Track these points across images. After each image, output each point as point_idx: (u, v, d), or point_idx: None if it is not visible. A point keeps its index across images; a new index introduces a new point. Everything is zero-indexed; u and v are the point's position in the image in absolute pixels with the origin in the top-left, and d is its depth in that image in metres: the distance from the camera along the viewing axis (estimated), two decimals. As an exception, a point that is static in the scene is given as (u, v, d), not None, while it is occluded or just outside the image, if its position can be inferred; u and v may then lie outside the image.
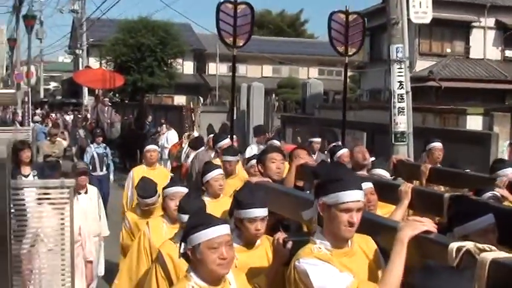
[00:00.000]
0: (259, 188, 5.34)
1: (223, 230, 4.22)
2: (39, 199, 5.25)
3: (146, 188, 8.04)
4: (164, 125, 25.44)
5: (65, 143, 20.81)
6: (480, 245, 3.48)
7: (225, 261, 4.15)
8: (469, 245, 3.50)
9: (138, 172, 11.13)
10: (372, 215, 5.03)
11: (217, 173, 7.71)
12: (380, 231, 4.33)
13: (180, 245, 4.29)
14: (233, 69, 15.34)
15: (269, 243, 5.01)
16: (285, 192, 5.82)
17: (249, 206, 4.94)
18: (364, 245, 4.26)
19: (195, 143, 15.52)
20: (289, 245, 4.48)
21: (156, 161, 11.86)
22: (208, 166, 8.07)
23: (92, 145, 17.68)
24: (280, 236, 4.60)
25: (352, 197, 4.00)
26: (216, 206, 6.62)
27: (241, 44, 14.53)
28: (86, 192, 10.22)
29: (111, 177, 17.92)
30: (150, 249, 6.28)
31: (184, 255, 4.29)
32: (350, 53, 15.08)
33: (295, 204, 5.25)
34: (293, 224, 5.89)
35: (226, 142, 11.81)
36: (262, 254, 5.07)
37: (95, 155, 17.04)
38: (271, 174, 6.93)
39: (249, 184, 5.60)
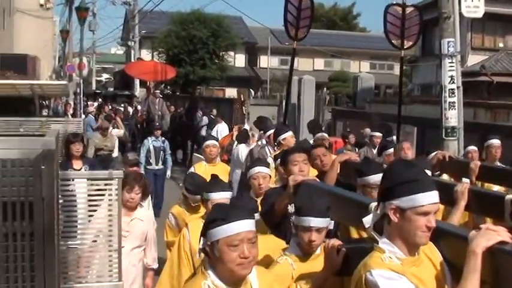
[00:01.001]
0: (320, 195, 4.82)
1: (246, 225, 3.81)
2: (87, 190, 5.31)
3: (196, 183, 7.68)
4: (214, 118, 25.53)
5: (121, 132, 20.49)
6: None
7: (246, 261, 3.76)
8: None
9: (199, 169, 10.68)
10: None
11: (256, 170, 7.33)
12: (444, 239, 3.91)
13: (200, 239, 3.93)
14: (292, 62, 15.49)
15: None
16: (341, 195, 5.21)
17: (305, 213, 4.54)
18: (429, 252, 3.86)
19: (241, 137, 15.37)
20: (343, 253, 4.16)
21: (217, 157, 11.39)
22: (253, 162, 7.84)
23: (149, 138, 17.07)
24: (334, 242, 4.26)
25: (430, 199, 3.63)
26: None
27: (302, 37, 14.61)
28: None
29: (168, 172, 17.10)
30: (191, 253, 5.86)
31: (203, 251, 3.91)
32: (406, 46, 14.81)
33: (353, 209, 4.76)
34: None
35: (289, 134, 10.80)
36: (320, 266, 4.52)
37: (151, 148, 16.49)
38: (254, 191, 6.67)
39: (311, 188, 5.20)
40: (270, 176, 7.53)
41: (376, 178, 5.46)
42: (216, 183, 6.26)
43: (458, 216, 5.61)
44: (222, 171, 10.38)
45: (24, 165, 3.23)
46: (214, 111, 29.87)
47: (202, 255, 3.97)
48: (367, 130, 16.70)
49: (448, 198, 5.48)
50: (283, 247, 5.07)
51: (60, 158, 11.10)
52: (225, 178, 7.91)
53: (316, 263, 4.58)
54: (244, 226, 3.79)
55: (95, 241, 5.38)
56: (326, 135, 13.57)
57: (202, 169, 10.54)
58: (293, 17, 14.35)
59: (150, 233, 7.76)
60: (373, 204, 4.09)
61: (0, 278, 3.31)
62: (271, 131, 11.23)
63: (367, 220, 3.95)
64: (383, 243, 3.73)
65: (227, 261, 3.74)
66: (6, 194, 3.23)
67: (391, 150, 9.92)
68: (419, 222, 3.60)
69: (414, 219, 3.60)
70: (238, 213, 3.84)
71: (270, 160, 9.34)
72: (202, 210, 7.10)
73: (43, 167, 3.25)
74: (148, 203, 10.22)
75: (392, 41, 14.74)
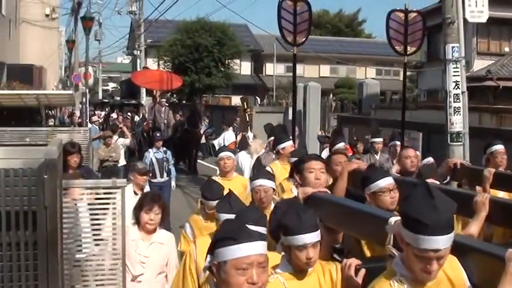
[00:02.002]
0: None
1: (257, 248, 3.49)
2: (90, 199, 5.31)
3: (213, 189, 7.35)
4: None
5: (127, 141, 20.25)
6: None
7: (254, 287, 3.46)
8: None
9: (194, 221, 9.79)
10: (460, 237, 4.07)
11: (257, 183, 6.91)
12: (473, 257, 3.68)
13: (206, 256, 3.64)
14: (294, 67, 15.36)
15: (321, 269, 4.36)
16: (357, 209, 4.87)
17: (297, 232, 4.20)
18: (450, 271, 3.62)
19: (241, 144, 15.31)
20: (362, 273, 3.90)
21: (232, 170, 10.19)
22: (256, 173, 7.49)
23: (150, 150, 16.29)
24: (352, 261, 4.00)
25: (432, 244, 3.30)
26: None
27: (302, 41, 14.54)
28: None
29: (173, 183, 16.17)
30: (196, 272, 5.59)
31: (209, 269, 3.62)
32: (409, 52, 14.79)
33: (371, 224, 4.42)
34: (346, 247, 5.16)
35: (289, 144, 10.70)
36: (314, 283, 4.32)
37: (154, 160, 15.58)
38: (310, 185, 6.05)
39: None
40: (274, 188, 7.17)
41: (387, 181, 5.49)
42: (227, 204, 5.73)
43: (478, 228, 5.39)
44: (239, 185, 9.23)
45: (27, 175, 3.24)
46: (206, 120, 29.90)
47: (208, 272, 3.73)
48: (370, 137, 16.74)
49: (466, 208, 5.36)
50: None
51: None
52: (242, 193, 7.55)
53: (310, 281, 4.33)
54: (255, 249, 3.48)
55: (99, 250, 5.38)
56: (343, 144, 12.94)
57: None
58: (288, 23, 14.29)
59: (172, 258, 7.17)
60: (393, 219, 3.91)
61: (5, 287, 3.32)
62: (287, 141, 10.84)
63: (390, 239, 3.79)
64: (396, 264, 3.56)
65: (233, 285, 3.45)
66: (10, 204, 3.24)
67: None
68: (419, 264, 3.40)
69: (414, 259, 3.40)
70: (249, 234, 3.54)
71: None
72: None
73: (46, 176, 3.27)
74: None
75: (395, 47, 14.75)
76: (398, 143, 13.54)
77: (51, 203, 3.31)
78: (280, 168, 9.87)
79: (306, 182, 6.36)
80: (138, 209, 6.84)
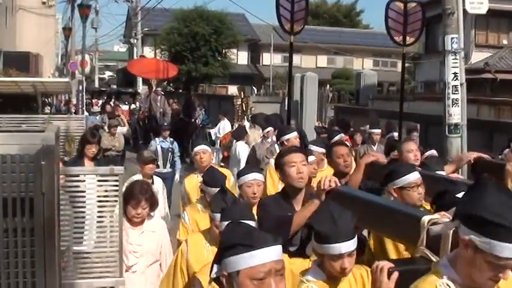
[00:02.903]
0: (342, 213, 4.03)
1: (273, 254, 2.97)
2: (89, 186, 5.27)
3: (215, 176, 7.16)
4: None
5: (125, 129, 20.03)
6: None
7: None
8: None
9: (189, 183, 9.15)
10: None
11: (251, 177, 6.65)
12: None
13: (212, 266, 3.11)
14: (290, 56, 15.09)
15: (353, 274, 4.17)
16: (386, 207, 4.35)
17: (332, 240, 3.91)
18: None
19: (237, 134, 15.17)
20: (395, 276, 3.52)
21: (209, 164, 9.15)
22: (245, 168, 7.11)
23: (156, 139, 15.93)
24: (384, 264, 3.61)
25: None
26: None
27: (298, 30, 14.36)
28: (152, 183, 8.97)
29: (177, 176, 15.08)
30: (187, 271, 5.33)
31: (217, 282, 3.10)
32: (408, 43, 14.55)
33: (402, 223, 3.99)
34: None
35: (293, 136, 10.13)
36: None
37: (159, 150, 14.95)
38: (291, 181, 5.68)
39: (330, 207, 4.17)
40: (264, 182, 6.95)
41: (415, 176, 5.31)
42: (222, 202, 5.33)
43: None
44: None
45: (24, 161, 3.21)
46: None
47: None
48: (367, 127, 16.68)
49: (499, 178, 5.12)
50: (294, 264, 4.80)
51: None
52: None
53: (342, 287, 4.13)
54: (271, 255, 2.97)
55: (98, 237, 5.35)
56: (343, 135, 12.84)
57: (193, 182, 8.99)
58: (287, 11, 14.16)
59: (165, 245, 6.91)
60: (427, 219, 3.65)
61: (2, 274, 3.30)
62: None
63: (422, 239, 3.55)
64: (443, 266, 3.27)
65: None
66: (7, 190, 3.22)
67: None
68: (491, 273, 3.06)
69: (487, 268, 3.04)
70: (264, 238, 3.02)
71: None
72: None
73: (43, 162, 3.24)
74: (164, 204, 9.69)
75: (394, 38, 14.63)
76: (396, 134, 13.53)
77: (49, 190, 3.29)
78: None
79: (288, 177, 5.74)
80: (124, 201, 6.14)
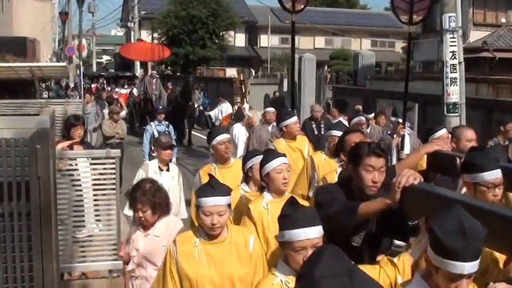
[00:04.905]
0: (474, 227, 3.14)
1: (314, 232, 3.76)
2: (85, 169, 5.25)
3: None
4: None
5: (123, 113, 19.62)
6: None
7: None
8: None
9: (205, 175, 7.29)
10: None
11: (279, 162, 5.87)
12: None
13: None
14: (292, 35, 14.88)
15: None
16: (484, 209, 3.51)
17: (459, 259, 3.17)
18: None
19: (237, 116, 15.12)
20: None
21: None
22: (268, 154, 6.14)
23: (152, 123, 15.84)
24: (500, 287, 3.28)
25: None
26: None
27: (300, 8, 14.16)
28: (167, 170, 8.90)
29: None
30: (178, 274, 4.92)
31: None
32: (415, 21, 13.72)
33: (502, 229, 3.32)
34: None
35: (292, 121, 9.78)
36: None
37: (156, 134, 14.40)
38: (278, 187, 5.64)
39: (462, 218, 3.20)
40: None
41: (496, 175, 4.72)
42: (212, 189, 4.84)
43: None
44: (238, 171, 7.24)
45: (19, 145, 3.19)
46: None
47: None
48: (359, 107, 16.63)
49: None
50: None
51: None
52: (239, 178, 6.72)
53: None
54: (313, 233, 3.75)
55: (96, 221, 5.33)
56: (363, 118, 12.21)
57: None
58: None
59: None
60: None
61: (-1, 258, 3.29)
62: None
63: None
64: None
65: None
66: (2, 174, 3.20)
67: (440, 133, 8.06)
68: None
69: None
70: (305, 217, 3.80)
71: None
72: (234, 163, 6.79)
73: (38, 146, 3.22)
74: (180, 192, 9.00)
75: (400, 17, 13.97)
76: (400, 120, 13.19)
77: (44, 173, 3.27)
78: (285, 146, 9.40)
79: (274, 184, 5.63)
80: (130, 203, 5.80)
